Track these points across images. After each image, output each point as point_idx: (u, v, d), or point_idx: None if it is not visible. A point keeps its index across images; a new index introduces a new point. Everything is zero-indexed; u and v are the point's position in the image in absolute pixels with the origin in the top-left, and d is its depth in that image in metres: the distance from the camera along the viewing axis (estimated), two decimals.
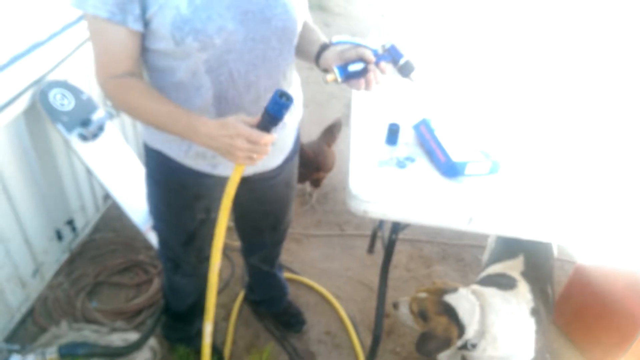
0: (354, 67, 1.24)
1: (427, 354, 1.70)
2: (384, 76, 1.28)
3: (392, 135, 1.77)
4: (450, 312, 1.68)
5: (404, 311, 1.82)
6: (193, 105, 1.27)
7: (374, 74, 1.24)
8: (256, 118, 1.11)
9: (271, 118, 1.09)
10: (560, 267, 2.70)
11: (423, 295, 1.76)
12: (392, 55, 1.28)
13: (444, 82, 2.33)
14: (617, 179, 1.76)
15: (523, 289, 1.81)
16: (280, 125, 1.41)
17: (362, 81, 1.25)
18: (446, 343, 1.67)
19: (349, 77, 1.25)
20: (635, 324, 1.94)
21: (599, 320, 2.17)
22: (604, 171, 1.79)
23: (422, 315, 1.73)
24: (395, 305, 1.88)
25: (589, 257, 2.26)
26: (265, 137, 1.10)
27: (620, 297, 2.06)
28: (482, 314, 1.68)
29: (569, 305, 2.31)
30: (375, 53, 1.25)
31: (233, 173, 1.22)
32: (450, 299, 1.71)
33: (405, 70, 1.29)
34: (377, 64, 1.25)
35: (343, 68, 1.25)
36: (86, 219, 2.61)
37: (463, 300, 1.70)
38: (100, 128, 2.30)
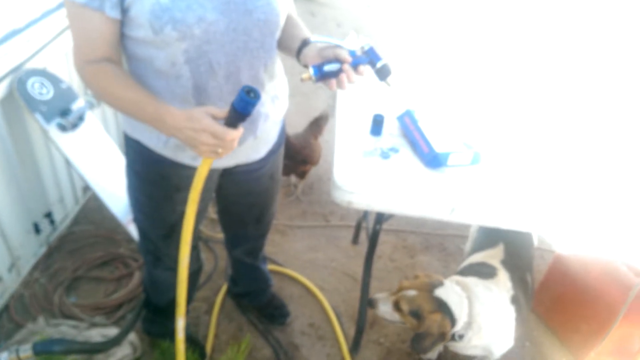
0: (330, 67, 1.24)
1: (422, 351, 1.70)
2: (361, 77, 1.27)
3: (377, 126, 1.77)
4: (443, 308, 1.67)
5: (385, 309, 1.77)
6: (173, 95, 1.26)
7: (347, 74, 1.24)
8: (223, 111, 1.09)
9: (237, 114, 1.07)
10: (540, 257, 2.74)
11: (412, 292, 1.72)
12: (370, 57, 1.28)
13: (428, 73, 2.33)
14: (595, 170, 1.78)
15: (503, 277, 1.83)
16: (262, 118, 1.40)
17: (334, 81, 1.25)
18: (441, 338, 1.66)
19: (324, 76, 1.25)
20: (612, 312, 1.97)
21: (577, 309, 2.21)
22: (582, 162, 1.82)
23: (414, 314, 1.69)
24: (372, 303, 1.81)
25: (567, 246, 2.29)
26: (231, 134, 1.08)
27: (598, 285, 2.10)
28: (469, 305, 1.69)
29: (548, 293, 2.35)
30: (352, 54, 1.25)
31: (200, 166, 1.20)
32: (441, 293, 1.69)
33: (382, 74, 1.29)
34: (354, 66, 1.24)
35: (318, 68, 1.25)
36: (65, 212, 2.56)
37: (452, 293, 1.70)
38: (80, 118, 2.26)
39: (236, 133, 1.10)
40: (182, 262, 1.38)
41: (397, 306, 1.73)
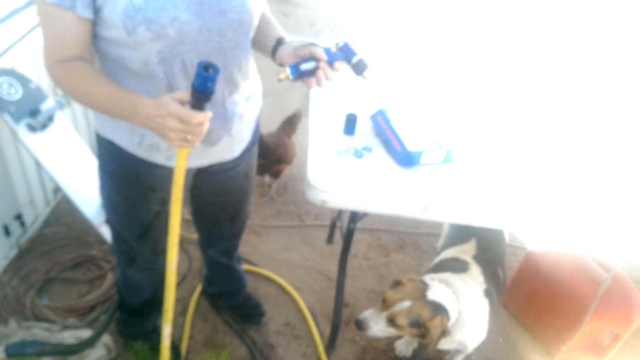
0: (306, 66, 1.25)
1: (428, 355, 1.67)
2: (338, 73, 1.28)
3: (350, 125, 1.79)
4: (439, 309, 1.62)
5: (378, 328, 1.67)
6: (146, 95, 1.24)
7: (324, 71, 1.25)
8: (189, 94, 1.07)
9: (199, 94, 1.03)
10: (511, 253, 2.78)
11: (407, 303, 1.62)
12: (345, 53, 1.29)
13: (401, 73, 2.35)
14: (565, 168, 1.82)
15: (475, 271, 1.85)
16: (237, 117, 1.40)
17: (313, 79, 1.26)
18: (442, 336, 1.64)
19: (301, 75, 1.26)
20: (583, 307, 2.02)
21: (549, 304, 2.25)
22: (552, 160, 1.85)
23: (415, 325, 1.62)
24: (361, 325, 1.69)
25: (538, 243, 2.33)
26: (196, 116, 1.05)
27: (569, 281, 2.14)
28: (457, 302, 1.68)
29: (520, 290, 2.39)
30: (327, 51, 1.26)
31: (177, 160, 1.18)
32: (433, 296, 1.64)
33: (358, 69, 1.31)
34: (330, 62, 1.26)
35: (295, 67, 1.26)
36: (35, 213, 2.51)
37: (442, 293, 1.66)
38: (50, 118, 2.22)
39: (202, 115, 1.06)
40: (170, 266, 1.35)
41: (392, 322, 1.64)
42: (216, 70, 1.02)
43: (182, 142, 1.09)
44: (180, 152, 1.16)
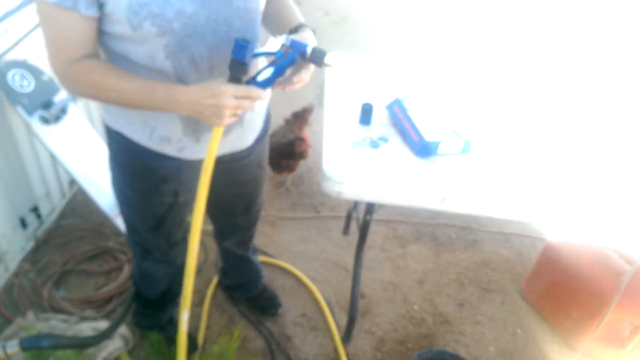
0: (264, 75, 1.18)
1: None
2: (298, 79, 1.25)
3: (366, 115, 1.76)
4: None
5: None
6: None
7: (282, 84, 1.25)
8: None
9: (237, 64, 1.11)
10: (531, 245, 2.75)
11: None
12: (296, 49, 1.20)
13: (417, 61, 2.31)
14: (586, 158, 1.78)
15: None
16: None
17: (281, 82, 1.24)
18: None
19: (269, 83, 1.19)
20: (603, 299, 1.98)
21: (568, 296, 2.21)
22: (573, 150, 1.81)
23: None
24: None
25: (558, 234, 2.29)
26: (255, 90, 1.14)
27: (589, 273, 2.10)
28: None
29: (540, 281, 2.35)
30: (278, 55, 1.19)
31: (210, 142, 1.19)
32: None
33: (315, 58, 1.20)
34: (282, 69, 1.20)
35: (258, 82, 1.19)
36: (51, 206, 2.53)
37: None
38: (63, 110, 2.22)
39: (255, 88, 1.14)
40: (192, 252, 1.33)
41: None
42: (248, 40, 1.10)
43: (232, 118, 1.15)
44: (215, 133, 1.18)
